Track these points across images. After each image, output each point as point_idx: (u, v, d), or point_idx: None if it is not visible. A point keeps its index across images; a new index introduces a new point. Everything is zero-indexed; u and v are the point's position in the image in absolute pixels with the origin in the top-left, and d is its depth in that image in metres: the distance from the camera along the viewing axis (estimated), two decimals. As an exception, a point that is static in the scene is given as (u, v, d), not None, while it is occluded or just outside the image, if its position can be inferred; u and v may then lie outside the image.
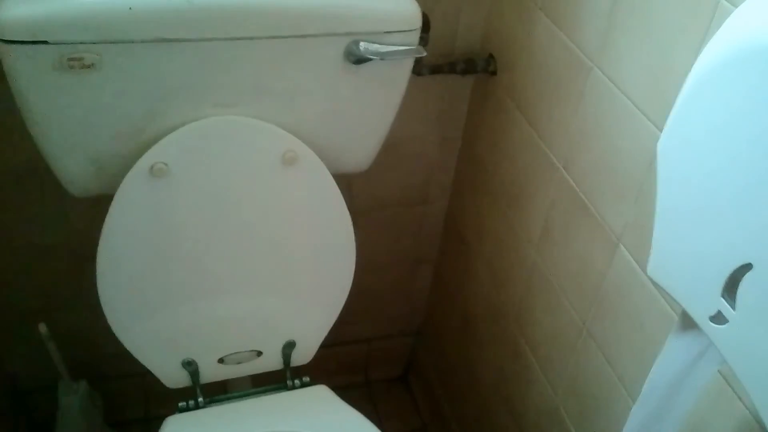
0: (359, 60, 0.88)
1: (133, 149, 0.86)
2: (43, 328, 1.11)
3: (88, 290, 0.95)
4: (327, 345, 1.08)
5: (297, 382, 1.05)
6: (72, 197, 0.92)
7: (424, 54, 0.90)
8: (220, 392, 1.03)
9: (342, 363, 1.56)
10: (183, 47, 0.80)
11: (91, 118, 0.83)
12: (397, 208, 1.35)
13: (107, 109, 0.83)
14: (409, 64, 0.92)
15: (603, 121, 0.85)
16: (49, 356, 1.21)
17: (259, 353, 1.04)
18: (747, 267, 0.48)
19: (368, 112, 0.96)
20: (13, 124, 0.93)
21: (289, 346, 1.05)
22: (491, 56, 1.12)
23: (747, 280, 0.48)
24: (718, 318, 0.51)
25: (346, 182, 1.02)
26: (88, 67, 0.78)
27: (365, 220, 1.33)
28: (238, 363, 1.03)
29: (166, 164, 0.86)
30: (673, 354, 0.61)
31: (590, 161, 0.89)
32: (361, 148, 1.00)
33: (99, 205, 0.89)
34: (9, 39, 0.74)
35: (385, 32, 0.87)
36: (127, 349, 0.98)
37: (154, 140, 0.86)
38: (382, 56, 0.87)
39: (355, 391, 1.58)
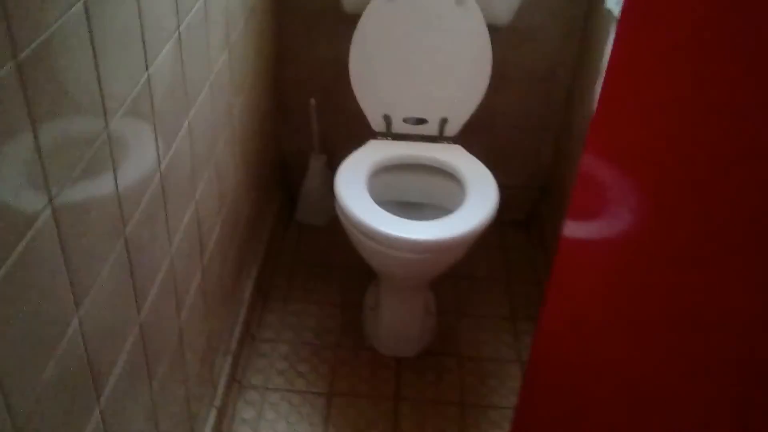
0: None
1: (381, -17, 1.68)
2: (312, 102, 1.95)
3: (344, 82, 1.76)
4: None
5: (445, 142, 1.79)
6: (346, 15, 1.76)
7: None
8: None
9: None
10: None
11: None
12: (531, 82, 2.03)
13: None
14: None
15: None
16: (308, 137, 2.05)
17: (425, 121, 1.79)
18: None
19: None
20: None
21: (443, 121, 1.79)
22: (600, -29, 1.78)
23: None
24: None
25: (500, 55, 1.75)
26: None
27: (508, 88, 2.02)
28: (414, 124, 1.80)
29: (394, -6, 1.66)
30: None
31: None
32: (503, 5, 1.72)
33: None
34: None
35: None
36: (360, 105, 1.78)
37: (392, -21, 1.66)
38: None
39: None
